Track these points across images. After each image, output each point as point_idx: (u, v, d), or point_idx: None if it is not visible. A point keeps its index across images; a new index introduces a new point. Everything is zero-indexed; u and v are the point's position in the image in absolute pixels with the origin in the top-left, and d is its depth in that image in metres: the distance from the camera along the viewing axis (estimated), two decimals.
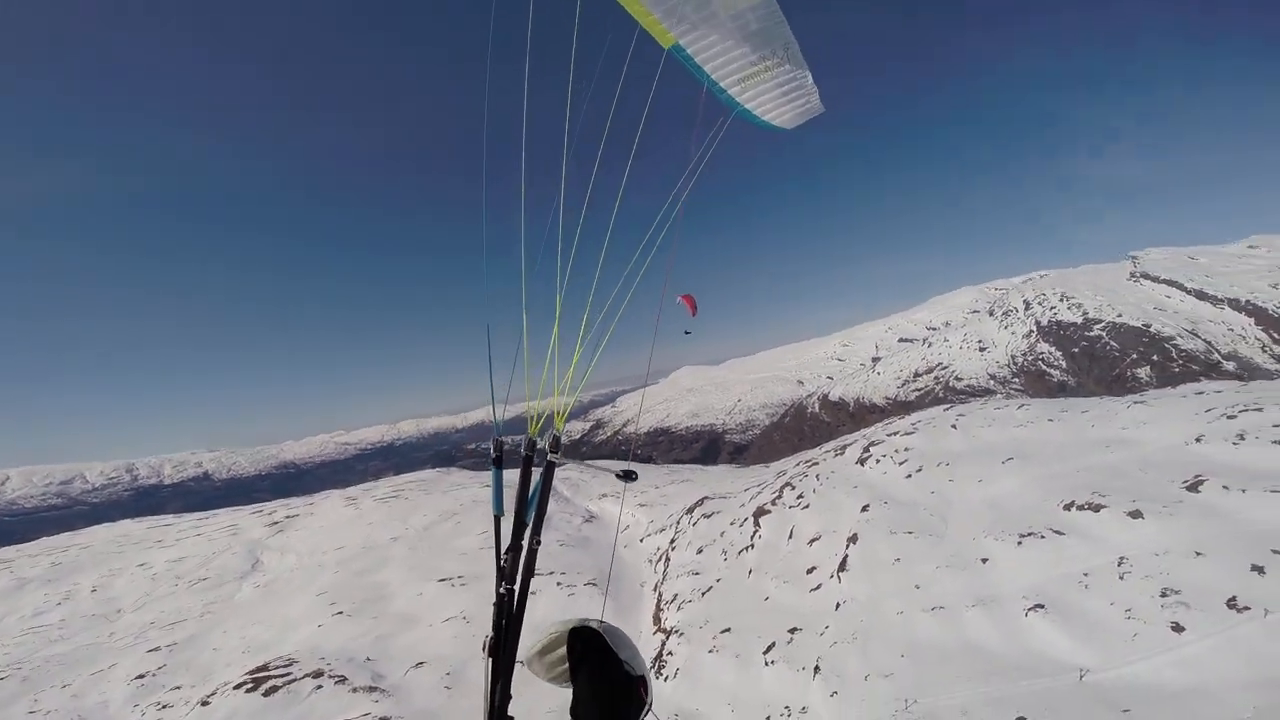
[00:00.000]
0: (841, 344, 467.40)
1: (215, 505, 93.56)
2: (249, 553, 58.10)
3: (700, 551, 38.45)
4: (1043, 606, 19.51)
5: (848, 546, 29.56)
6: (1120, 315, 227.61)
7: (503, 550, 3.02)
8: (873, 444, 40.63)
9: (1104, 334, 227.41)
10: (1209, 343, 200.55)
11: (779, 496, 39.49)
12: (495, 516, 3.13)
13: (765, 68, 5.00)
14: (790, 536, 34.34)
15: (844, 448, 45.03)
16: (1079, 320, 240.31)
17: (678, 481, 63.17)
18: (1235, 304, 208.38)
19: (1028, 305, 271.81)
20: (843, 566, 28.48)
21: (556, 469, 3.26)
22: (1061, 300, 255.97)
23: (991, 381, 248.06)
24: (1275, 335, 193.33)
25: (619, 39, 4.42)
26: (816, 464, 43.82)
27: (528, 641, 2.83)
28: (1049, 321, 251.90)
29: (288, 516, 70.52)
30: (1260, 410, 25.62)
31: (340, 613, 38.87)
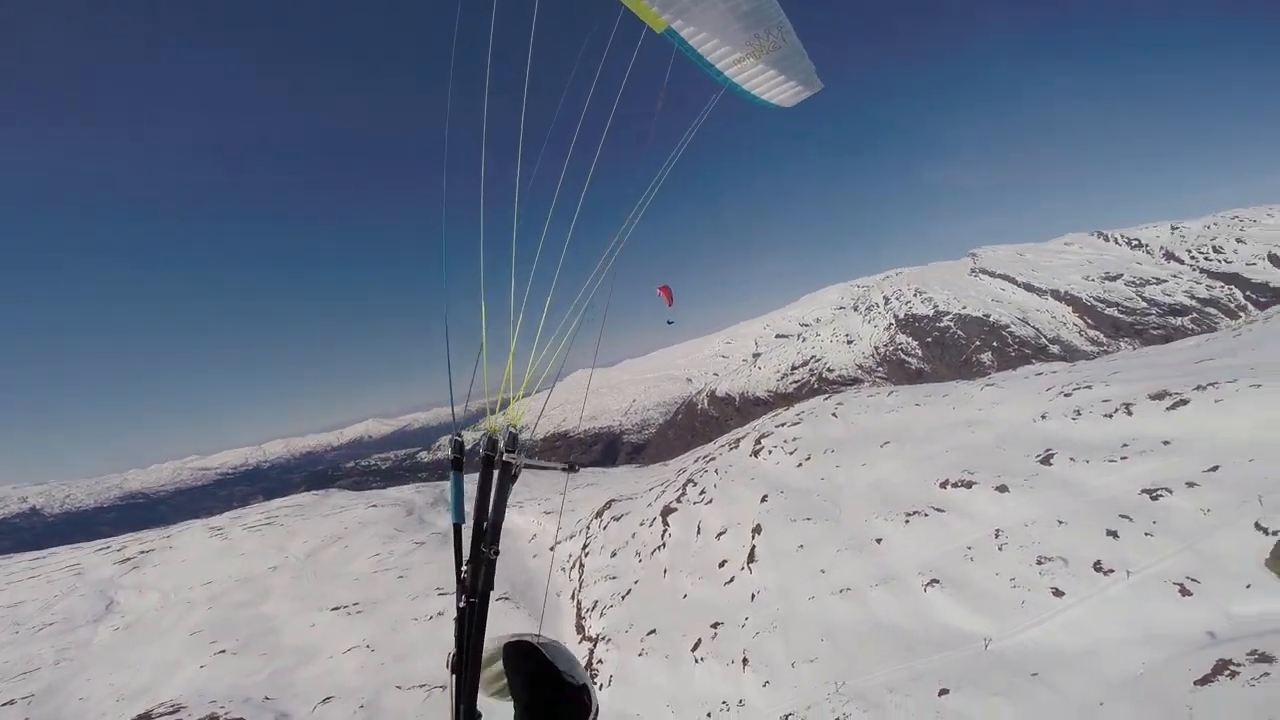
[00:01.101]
0: (725, 342, 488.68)
1: (51, 543, 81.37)
2: (100, 593, 51.19)
3: (614, 555, 38.56)
4: (938, 581, 21.31)
5: (753, 537, 30.75)
6: (965, 307, 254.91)
7: (463, 562, 2.72)
8: (763, 436, 42.54)
9: (952, 324, 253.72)
10: (1037, 329, 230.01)
11: (683, 494, 40.40)
12: (455, 525, 2.85)
13: (760, 47, 5.01)
14: (699, 532, 35.24)
15: (737, 441, 46.83)
16: (931, 313, 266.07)
17: (582, 485, 62.88)
18: (1056, 294, 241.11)
19: (887, 300, 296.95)
20: (751, 558, 29.59)
21: (520, 470, 2.93)
22: (915, 295, 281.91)
23: (859, 371, 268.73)
24: (1089, 321, 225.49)
25: (604, 25, 4.27)
26: (714, 459, 45.26)
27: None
28: (905, 315, 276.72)
29: (142, 551, 62.65)
30: (1090, 388, 29.34)
31: (223, 651, 35.33)
